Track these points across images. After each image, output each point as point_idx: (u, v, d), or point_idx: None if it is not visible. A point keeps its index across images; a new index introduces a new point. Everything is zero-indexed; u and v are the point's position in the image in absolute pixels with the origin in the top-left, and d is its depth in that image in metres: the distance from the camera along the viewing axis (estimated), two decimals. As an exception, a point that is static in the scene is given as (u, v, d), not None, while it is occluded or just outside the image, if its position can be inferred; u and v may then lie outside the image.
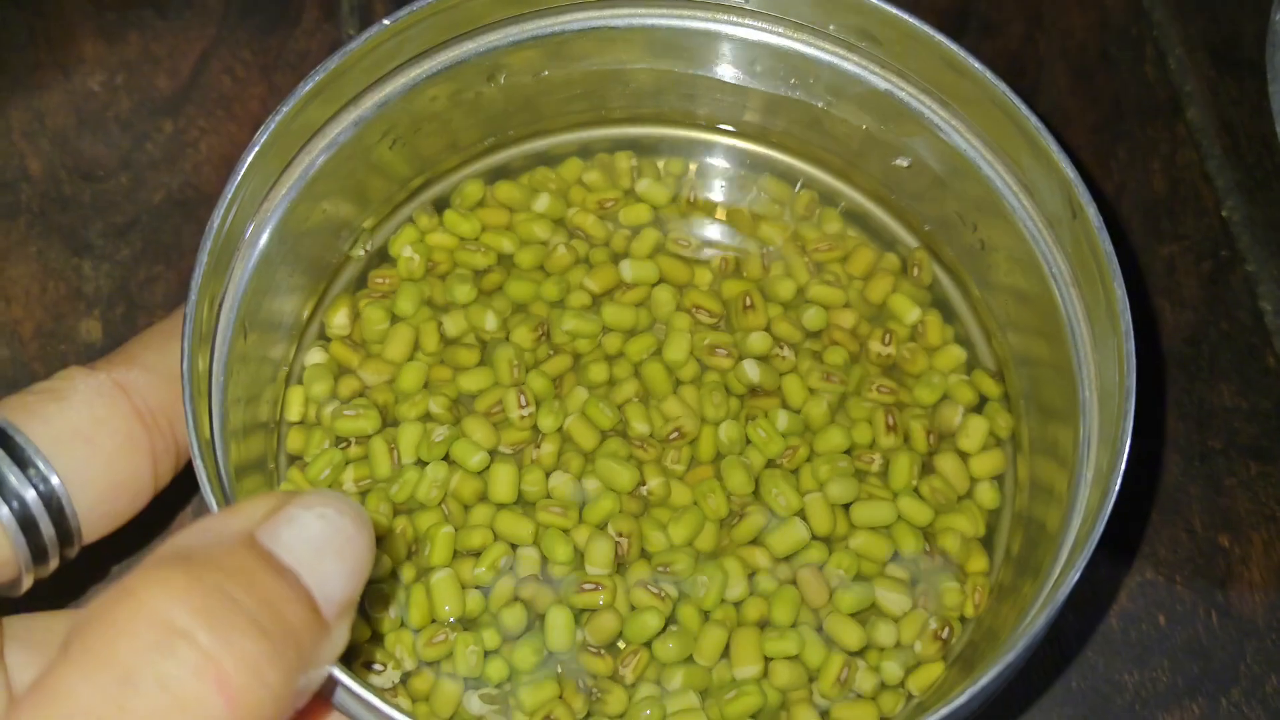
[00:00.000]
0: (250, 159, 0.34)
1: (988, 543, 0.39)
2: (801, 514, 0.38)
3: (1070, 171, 0.34)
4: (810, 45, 0.40)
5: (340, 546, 0.24)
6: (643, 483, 0.38)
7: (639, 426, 0.39)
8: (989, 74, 0.36)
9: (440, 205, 0.43)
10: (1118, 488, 0.32)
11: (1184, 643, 0.41)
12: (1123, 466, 0.32)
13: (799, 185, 0.44)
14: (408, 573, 0.37)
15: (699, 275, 0.42)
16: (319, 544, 0.23)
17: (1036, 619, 0.31)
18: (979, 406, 0.40)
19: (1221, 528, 0.43)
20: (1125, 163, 0.50)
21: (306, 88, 0.35)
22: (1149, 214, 0.49)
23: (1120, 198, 0.49)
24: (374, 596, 0.37)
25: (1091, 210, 0.34)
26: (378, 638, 0.37)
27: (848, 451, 0.39)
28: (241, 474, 0.36)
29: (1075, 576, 0.31)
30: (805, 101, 0.42)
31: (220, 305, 0.36)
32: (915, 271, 0.42)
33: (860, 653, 0.37)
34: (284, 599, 0.21)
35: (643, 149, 0.45)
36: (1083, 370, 0.36)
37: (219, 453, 0.33)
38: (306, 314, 0.41)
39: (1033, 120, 0.35)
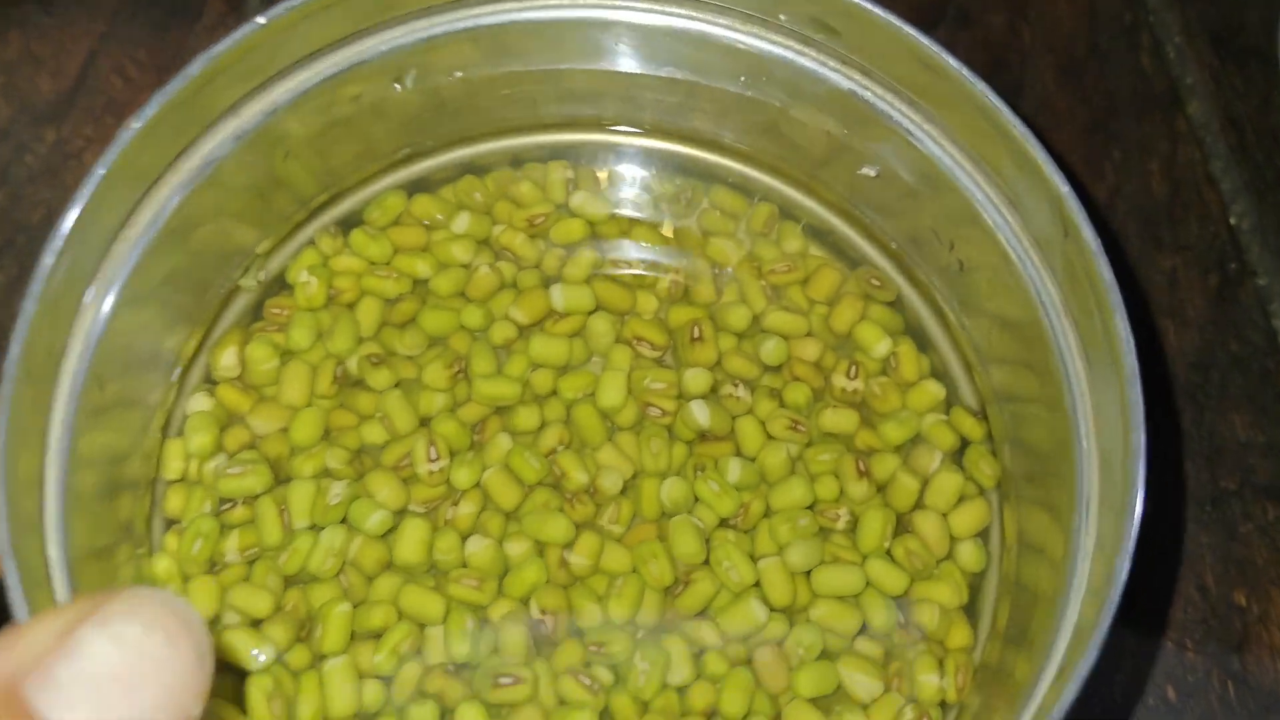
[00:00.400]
0: (94, 186, 0.29)
1: (971, 611, 0.34)
2: (757, 584, 0.33)
3: (1061, 185, 0.29)
4: (761, 39, 0.35)
5: (140, 677, 0.19)
6: (569, 547, 0.33)
7: (577, 477, 0.34)
8: (965, 71, 0.31)
9: (350, 224, 0.38)
10: (1130, 556, 0.27)
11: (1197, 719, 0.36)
12: (1133, 537, 0.26)
13: (756, 198, 0.39)
14: (297, 658, 0.32)
15: (642, 302, 0.37)
16: (106, 680, 0.18)
17: (1044, 715, 0.26)
18: (959, 451, 0.35)
19: (1237, 582, 0.38)
20: (1120, 165, 0.45)
21: (164, 100, 0.30)
22: (1148, 222, 0.44)
23: (1115, 204, 0.44)
24: (254, 690, 0.31)
25: (1087, 231, 0.28)
26: (261, 738, 0.31)
27: (810, 507, 0.34)
28: (98, 554, 0.30)
29: (1088, 663, 0.26)
30: (760, 101, 0.37)
31: (63, 354, 0.30)
32: (874, 284, 0.37)
33: (824, 747, 0.32)
34: None
35: (580, 158, 0.39)
36: (1078, 413, 0.31)
37: (53, 539, 0.28)
38: (190, 352, 0.36)
39: (1016, 124, 0.30)
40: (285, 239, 0.38)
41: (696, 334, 0.36)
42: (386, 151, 0.38)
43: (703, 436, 0.35)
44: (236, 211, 0.36)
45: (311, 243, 0.38)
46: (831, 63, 0.34)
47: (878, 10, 0.32)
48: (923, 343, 0.37)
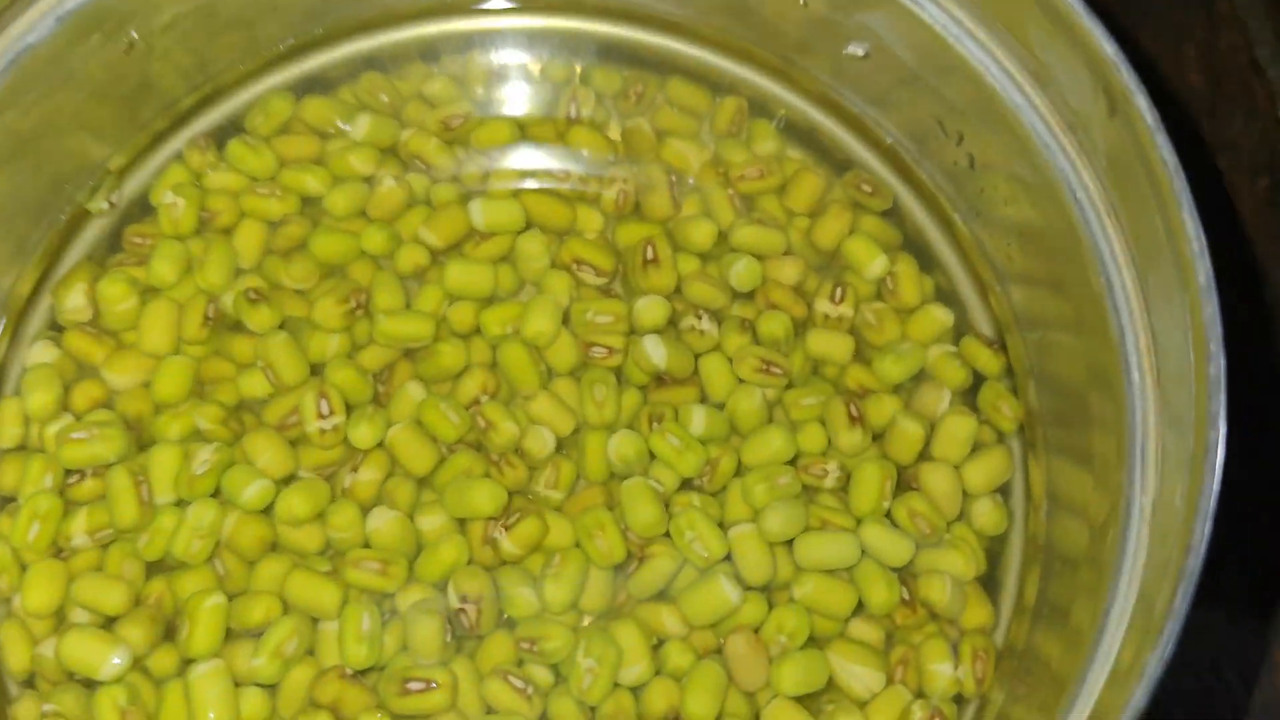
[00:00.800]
0: None
1: (990, 584, 0.28)
2: (728, 558, 0.27)
3: (1107, 45, 0.23)
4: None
5: None
6: (500, 520, 0.27)
7: (506, 431, 0.28)
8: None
9: (225, 134, 0.32)
10: (1211, 518, 0.21)
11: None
12: (1216, 488, 0.20)
13: (721, 92, 0.33)
14: (160, 663, 0.26)
15: (583, 218, 0.31)
16: None
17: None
18: (972, 390, 0.30)
19: None
20: (1152, 51, 0.39)
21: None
22: (1186, 116, 0.38)
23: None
24: (104, 703, 0.25)
25: (1142, 102, 0.22)
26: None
27: (792, 462, 0.28)
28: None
29: (1160, 658, 0.20)
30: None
31: None
32: (865, 189, 0.31)
33: (814, 758, 0.26)
34: None
35: (507, 46, 0.33)
36: (1127, 338, 0.25)
37: None
38: (25, 293, 0.30)
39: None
40: (145, 152, 0.32)
41: (650, 255, 0.30)
42: (269, 42, 0.32)
43: (659, 380, 0.30)
44: (77, 118, 0.30)
45: (178, 157, 0.32)
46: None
47: None
48: (926, 260, 0.32)
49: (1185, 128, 0.38)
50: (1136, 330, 0.24)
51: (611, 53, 0.34)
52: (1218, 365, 0.20)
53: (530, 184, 0.32)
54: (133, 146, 0.31)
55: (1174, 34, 0.40)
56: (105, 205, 0.31)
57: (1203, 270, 0.21)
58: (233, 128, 0.32)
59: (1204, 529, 0.20)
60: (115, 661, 0.26)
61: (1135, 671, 0.20)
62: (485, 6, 0.33)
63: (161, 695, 0.26)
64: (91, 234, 0.31)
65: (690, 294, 0.30)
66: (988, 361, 0.30)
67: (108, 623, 0.27)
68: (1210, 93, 0.39)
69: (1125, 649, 0.22)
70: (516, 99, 0.33)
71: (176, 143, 0.32)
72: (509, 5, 0.33)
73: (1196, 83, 0.39)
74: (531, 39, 0.34)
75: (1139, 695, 0.19)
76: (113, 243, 0.31)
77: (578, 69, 0.34)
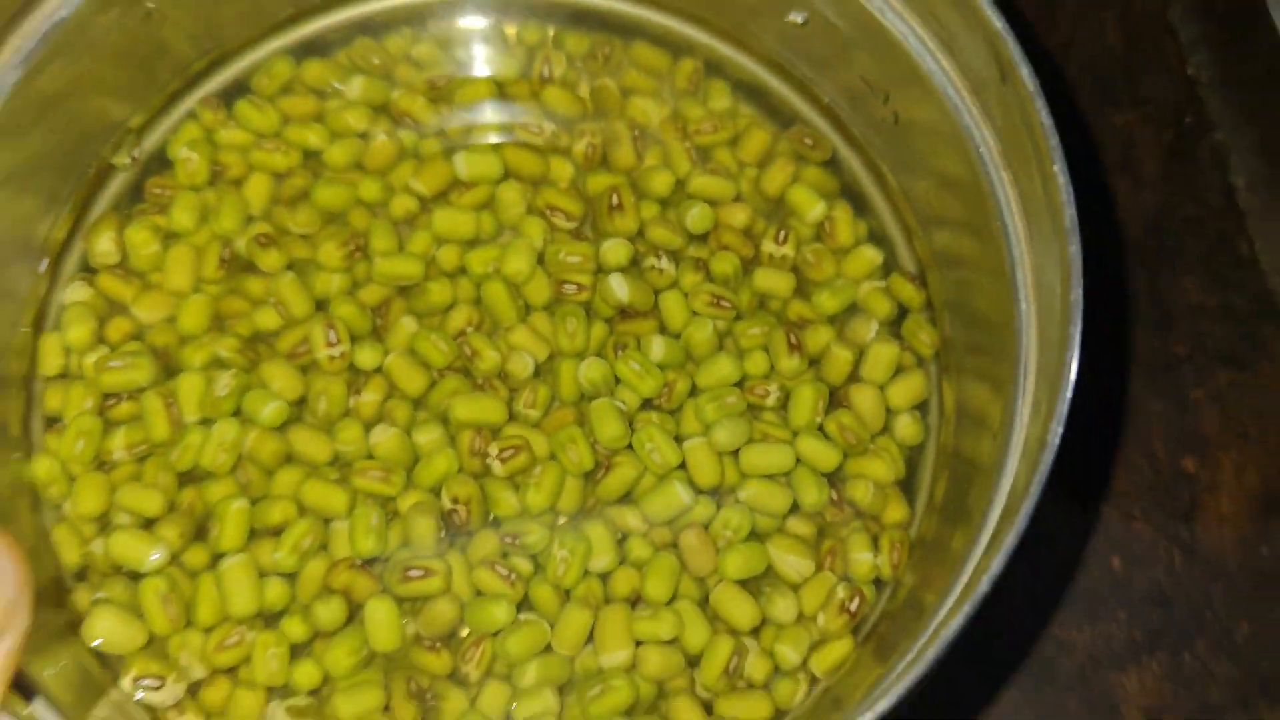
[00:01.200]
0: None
1: (908, 487, 0.32)
2: (682, 466, 0.31)
3: (996, 20, 0.27)
4: None
5: None
6: (497, 446, 0.31)
7: (489, 358, 0.32)
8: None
9: (234, 94, 0.35)
10: (1064, 420, 0.25)
11: (1143, 589, 0.35)
12: (1067, 400, 0.25)
13: (680, 54, 0.36)
14: (194, 558, 0.30)
15: (556, 169, 0.35)
16: None
17: (976, 582, 0.25)
18: (897, 321, 0.33)
19: (1186, 450, 0.36)
20: (1074, 13, 0.42)
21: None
22: (1102, 75, 0.41)
23: (1068, 56, 0.41)
24: (149, 592, 0.29)
25: (1024, 71, 0.26)
26: (156, 643, 0.30)
27: (739, 384, 0.32)
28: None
29: (1021, 525, 0.24)
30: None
31: None
32: (807, 143, 0.35)
33: (754, 631, 0.30)
34: None
35: (486, 12, 0.36)
36: (1018, 274, 0.29)
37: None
38: (60, 238, 0.33)
39: (951, -44, 0.27)
40: (161, 112, 0.35)
41: (615, 202, 0.33)
42: (271, 10, 0.35)
43: (623, 313, 0.33)
44: (102, 81, 0.33)
45: (192, 115, 0.35)
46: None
47: None
48: (859, 205, 0.35)
49: (1103, 85, 0.42)
50: (1025, 268, 0.28)
51: (581, 19, 0.36)
52: (1077, 295, 0.24)
53: (508, 138, 0.35)
54: (150, 106, 0.34)
55: None
56: (128, 160, 0.34)
57: (1068, 215, 0.25)
58: (240, 89, 0.35)
59: (1058, 430, 0.24)
60: (155, 556, 0.30)
61: (999, 545, 0.24)
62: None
63: (196, 584, 0.30)
64: (117, 186, 0.34)
65: (651, 236, 0.34)
66: (911, 296, 0.34)
67: (147, 524, 0.31)
68: (1126, 51, 0.42)
69: (998, 529, 0.26)
70: (495, 60, 0.36)
71: (189, 102, 0.35)
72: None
73: (1114, 42, 0.42)
74: (508, 5, 0.36)
75: (998, 562, 0.24)
76: (135, 193, 0.34)
77: (550, 33, 0.37)
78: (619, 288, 0.33)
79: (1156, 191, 0.40)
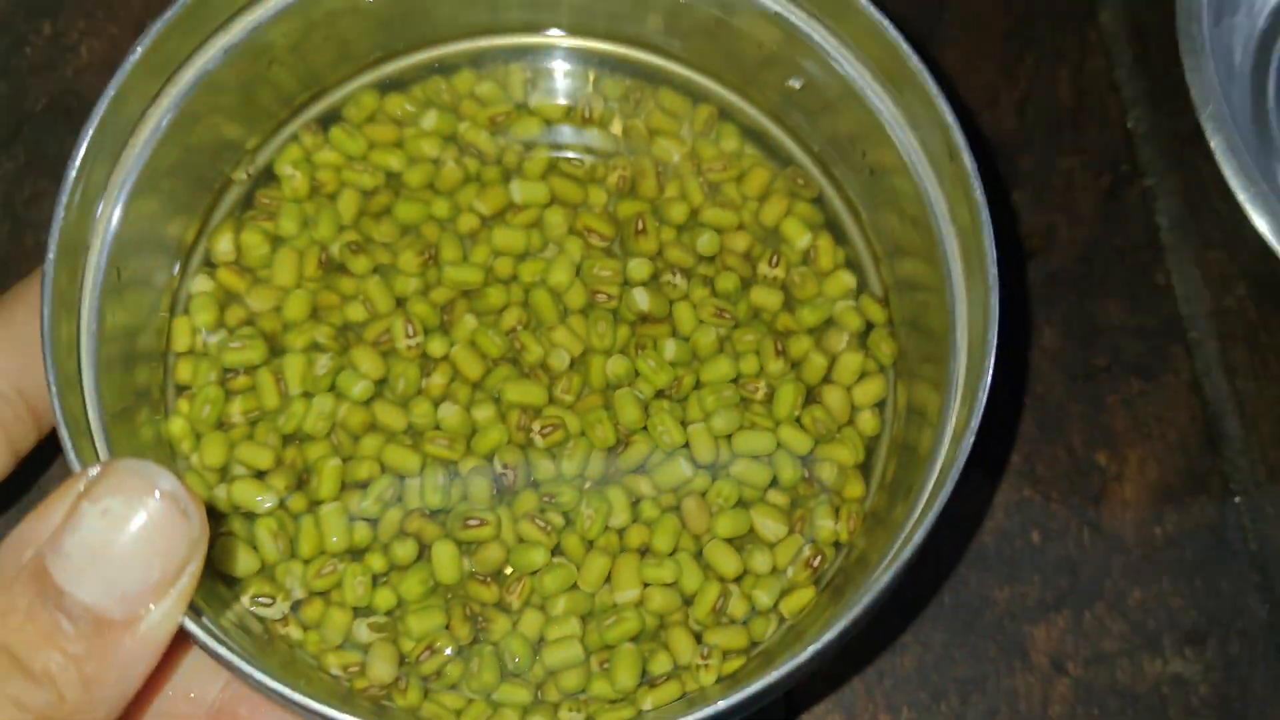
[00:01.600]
0: (104, 107, 0.33)
1: (866, 469, 0.40)
2: (686, 445, 0.39)
3: (948, 115, 0.34)
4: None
5: (127, 543, 0.22)
6: (540, 424, 0.38)
7: (535, 351, 0.39)
8: (873, 11, 0.35)
9: (329, 121, 0.42)
10: (980, 413, 0.33)
11: (1055, 559, 0.43)
12: (982, 400, 0.32)
13: (697, 101, 0.43)
14: (297, 503, 0.38)
15: (592, 196, 0.42)
16: (97, 547, 0.22)
17: (906, 544, 0.33)
18: (865, 334, 0.41)
19: (1100, 445, 0.44)
20: (1033, 70, 0.49)
21: (162, 25, 0.34)
22: (1053, 125, 0.48)
23: (1026, 107, 0.49)
24: (262, 530, 0.37)
25: (967, 157, 0.33)
26: (267, 570, 0.37)
27: (734, 381, 0.40)
28: (122, 415, 0.36)
29: (943, 498, 0.32)
30: (702, 10, 0.41)
31: (88, 246, 0.35)
32: (799, 182, 0.42)
33: (737, 579, 0.38)
34: (51, 639, 0.21)
35: (537, 60, 0.43)
36: (957, 308, 0.36)
37: (90, 400, 0.34)
38: (190, 239, 0.40)
39: (914, 60, 0.34)
40: (271, 135, 0.41)
41: (640, 227, 0.41)
42: (361, 54, 0.42)
43: (643, 319, 0.40)
44: (228, 112, 0.39)
45: (295, 138, 0.42)
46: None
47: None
48: (839, 236, 0.42)
49: (1053, 133, 0.49)
50: (961, 302, 0.35)
51: (618, 67, 0.43)
52: (992, 337, 0.32)
53: (553, 169, 0.42)
54: (263, 131, 0.41)
55: (1052, 58, 0.49)
56: (244, 176, 0.41)
57: (991, 275, 0.32)
58: (335, 117, 0.42)
59: (976, 419, 0.32)
60: (266, 502, 0.37)
61: (928, 511, 0.32)
62: (518, 29, 0.43)
63: (299, 525, 0.37)
64: (233, 196, 0.41)
65: (668, 256, 0.41)
66: (876, 313, 0.40)
67: (259, 475, 0.38)
68: (1075, 105, 0.49)
69: (928, 502, 0.34)
70: (545, 100, 0.43)
71: (293, 128, 0.41)
72: (558, 32, 0.42)
73: (1065, 97, 0.49)
74: (554, 51, 0.43)
75: (927, 523, 0.31)
76: (249, 203, 0.41)
77: (591, 78, 0.44)
78: (640, 299, 0.40)
79: (1091, 227, 0.47)
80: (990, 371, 0.32)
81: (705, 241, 0.41)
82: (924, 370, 0.39)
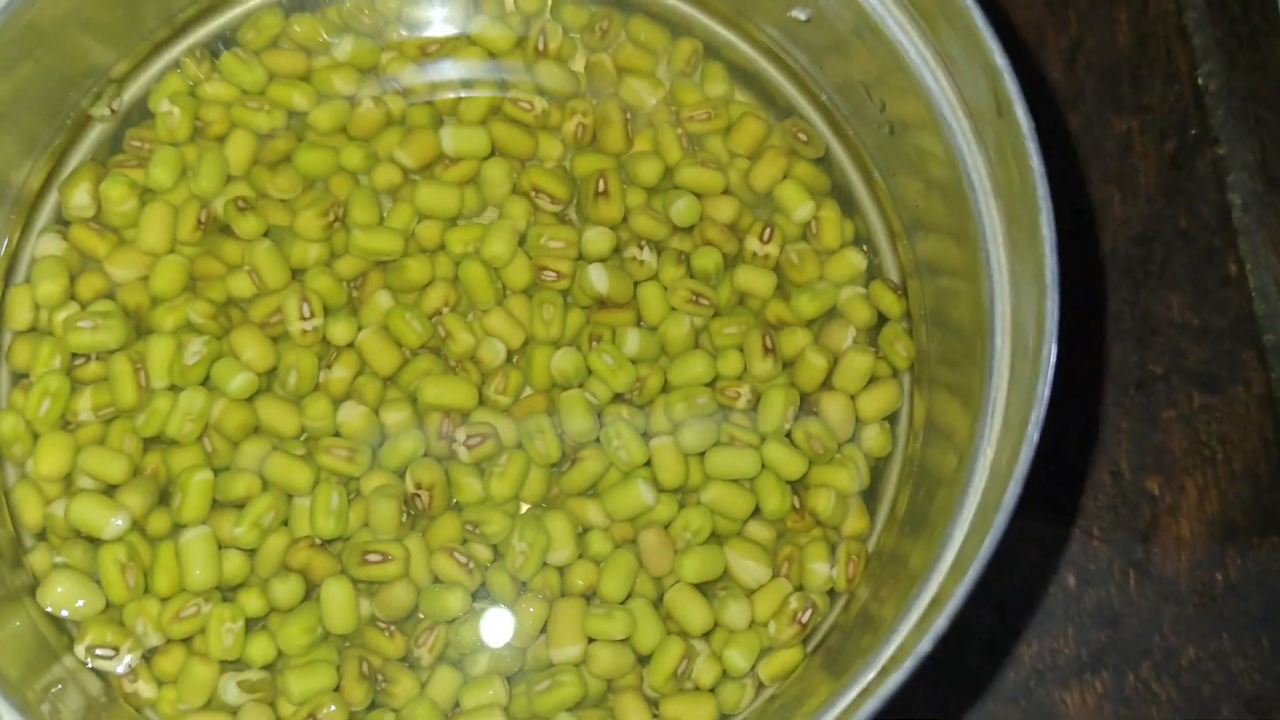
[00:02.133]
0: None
1: (870, 497, 0.32)
2: (648, 464, 0.31)
3: (998, 57, 0.26)
4: None
5: None
6: (465, 433, 0.31)
7: (463, 340, 0.32)
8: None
9: (219, 47, 0.34)
10: (1033, 448, 0.25)
11: (1093, 607, 0.35)
12: (1039, 421, 0.25)
13: (678, 34, 0.35)
14: (156, 524, 0.30)
15: (545, 146, 0.34)
16: None
17: (938, 612, 0.25)
18: (876, 328, 0.33)
19: (1152, 470, 0.37)
20: (1086, 11, 0.41)
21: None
22: (1108, 77, 0.40)
23: (1076, 56, 0.41)
24: (107, 559, 0.30)
25: (1021, 112, 0.26)
26: (112, 610, 0.30)
27: (711, 383, 0.32)
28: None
29: (987, 552, 0.25)
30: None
31: None
32: (801, 138, 0.34)
33: (705, 635, 0.30)
34: None
35: None
36: (996, 303, 0.28)
37: None
38: (35, 187, 0.33)
39: (956, -19, 0.26)
40: (145, 61, 0.34)
41: (601, 188, 0.33)
42: (262, -39, 0.34)
43: (601, 303, 0.33)
44: (87, 22, 0.32)
45: (176, 66, 0.34)
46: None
47: None
48: (847, 206, 0.34)
49: (1108, 88, 0.41)
50: (1002, 294, 0.28)
51: None
52: (1049, 351, 0.24)
53: (496, 110, 0.35)
54: (134, 54, 0.33)
55: None
56: (107, 112, 0.33)
57: (1049, 270, 0.25)
58: (227, 42, 0.34)
59: (1029, 450, 0.24)
60: (117, 523, 0.30)
61: (968, 563, 0.24)
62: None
63: (156, 553, 0.30)
64: (96, 135, 0.33)
65: (635, 225, 0.33)
66: (891, 304, 0.33)
67: (110, 490, 0.31)
68: (1135, 54, 0.41)
69: (965, 546, 0.26)
70: (490, 27, 0.35)
71: (174, 52, 0.34)
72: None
73: (1124, 44, 0.41)
74: None
75: (969, 579, 0.24)
76: (115, 144, 0.33)
77: (548, 1, 0.36)
78: (599, 279, 0.32)
79: (1151, 202, 0.39)
80: (1046, 401, 0.24)
81: (682, 208, 0.33)
82: (947, 375, 0.32)
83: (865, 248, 0.34)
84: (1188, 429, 0.37)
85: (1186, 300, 0.38)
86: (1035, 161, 0.25)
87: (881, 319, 0.33)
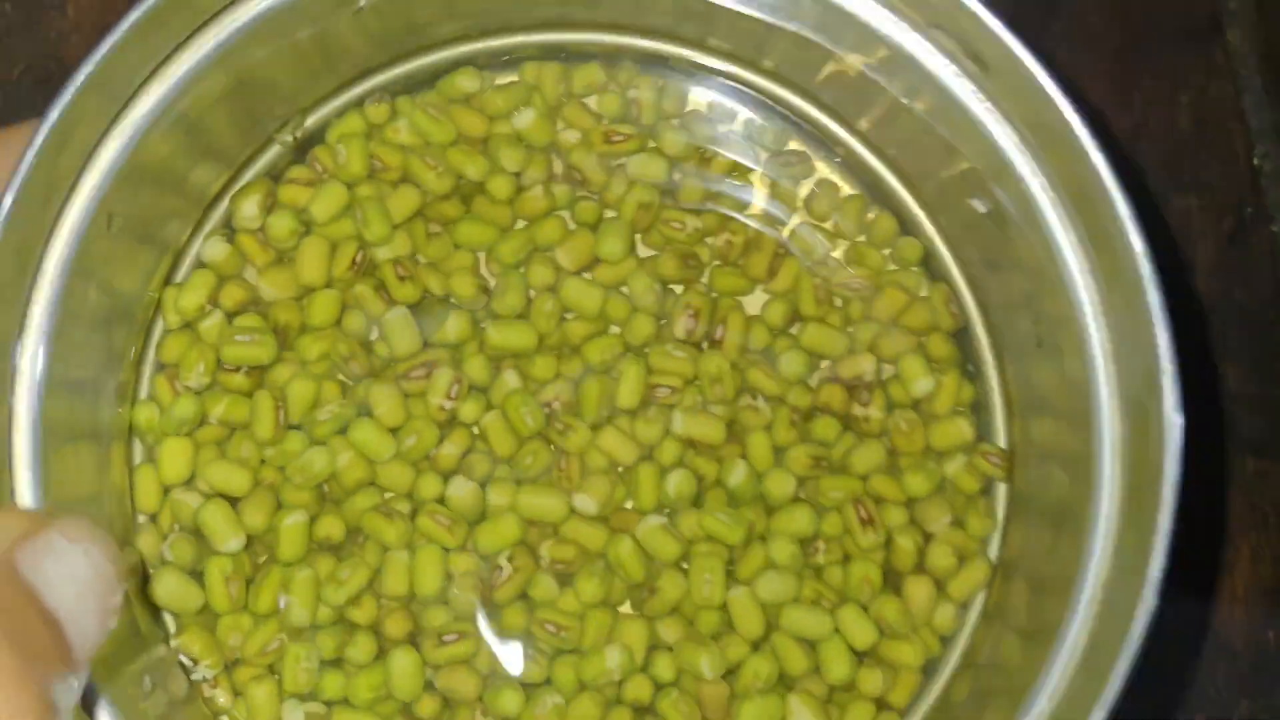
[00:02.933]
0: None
1: (928, 674, 0.33)
2: (724, 606, 0.32)
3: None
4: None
5: (101, 591, 0.22)
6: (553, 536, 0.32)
7: (579, 439, 0.32)
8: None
9: (404, 92, 0.35)
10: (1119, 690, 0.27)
11: (1150, 661, 0.39)
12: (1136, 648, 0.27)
13: (867, 196, 0.35)
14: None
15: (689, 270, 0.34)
16: (83, 585, 0.22)
17: None
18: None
19: (1211, 530, 0.39)
20: (1150, 94, 0.41)
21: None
22: (1169, 157, 0.41)
23: (1139, 137, 0.41)
24: (213, 570, 0.31)
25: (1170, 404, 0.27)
26: (210, 613, 0.32)
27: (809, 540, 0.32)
28: (73, 387, 0.29)
29: None
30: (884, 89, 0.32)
31: (73, 188, 0.28)
32: (950, 309, 0.34)
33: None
34: (46, 650, 0.21)
35: (685, 80, 0.35)
36: (1104, 466, 0.29)
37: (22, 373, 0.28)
38: (214, 192, 0.33)
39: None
40: (333, 94, 0.34)
41: (719, 335, 0.33)
42: (468, 16, 0.34)
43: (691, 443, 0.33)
44: (282, 62, 0.31)
45: (359, 105, 0.34)
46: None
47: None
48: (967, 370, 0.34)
49: (1168, 168, 0.41)
50: (1111, 453, 0.28)
51: (787, 120, 0.35)
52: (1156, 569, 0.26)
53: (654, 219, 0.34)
54: (324, 87, 0.33)
55: (1172, 80, 0.42)
56: (290, 139, 0.34)
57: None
58: (414, 89, 0.34)
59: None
60: (236, 543, 0.31)
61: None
62: (663, 35, 0.34)
63: (262, 574, 0.31)
64: (272, 152, 0.34)
65: (749, 379, 0.33)
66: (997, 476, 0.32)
67: (231, 501, 0.31)
68: (1194, 136, 0.41)
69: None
70: (672, 135, 0.34)
71: (358, 90, 0.34)
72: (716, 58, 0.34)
73: (1184, 126, 0.41)
74: (708, 78, 0.35)
75: None
76: (294, 156, 0.34)
77: (742, 120, 0.35)
78: (671, 484, 0.32)
79: (1208, 277, 0.41)
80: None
81: (788, 362, 0.33)
82: (1032, 566, 0.32)
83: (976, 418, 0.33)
84: (1242, 494, 0.39)
85: (1242, 372, 0.40)
86: (1172, 467, 0.26)
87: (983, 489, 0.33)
